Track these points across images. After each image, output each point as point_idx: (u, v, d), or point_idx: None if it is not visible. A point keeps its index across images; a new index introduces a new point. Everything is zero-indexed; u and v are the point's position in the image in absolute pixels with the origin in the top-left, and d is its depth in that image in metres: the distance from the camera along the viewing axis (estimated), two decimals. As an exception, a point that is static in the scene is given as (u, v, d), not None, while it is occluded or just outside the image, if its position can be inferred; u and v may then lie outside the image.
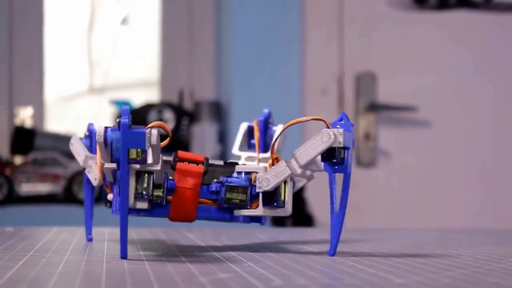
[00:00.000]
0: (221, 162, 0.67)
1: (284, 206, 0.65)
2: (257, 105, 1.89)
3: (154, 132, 0.59)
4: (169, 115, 1.83)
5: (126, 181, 0.59)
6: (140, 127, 0.59)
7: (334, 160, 0.64)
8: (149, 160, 0.60)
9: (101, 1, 2.05)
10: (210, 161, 0.67)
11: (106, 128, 0.60)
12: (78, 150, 0.71)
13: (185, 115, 1.85)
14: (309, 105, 1.88)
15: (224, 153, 1.83)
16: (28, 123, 1.86)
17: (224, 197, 0.65)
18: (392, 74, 1.92)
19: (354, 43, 1.91)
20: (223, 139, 1.84)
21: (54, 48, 2.00)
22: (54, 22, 2.00)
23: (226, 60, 1.90)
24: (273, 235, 0.87)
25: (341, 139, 0.63)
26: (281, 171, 0.64)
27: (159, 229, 0.91)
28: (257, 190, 0.64)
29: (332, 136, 0.63)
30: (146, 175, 0.61)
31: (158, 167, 0.61)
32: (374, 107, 1.90)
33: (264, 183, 0.64)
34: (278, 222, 1.52)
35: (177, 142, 1.79)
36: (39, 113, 1.90)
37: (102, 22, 2.05)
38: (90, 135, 0.71)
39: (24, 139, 1.76)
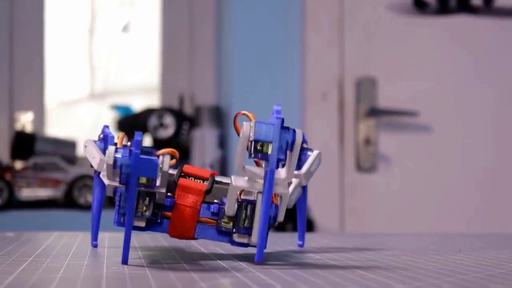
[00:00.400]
0: (229, 180, 0.63)
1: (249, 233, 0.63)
2: (258, 110, 1.89)
3: (167, 160, 0.59)
4: (169, 119, 1.83)
5: (133, 202, 0.58)
6: (151, 153, 0.57)
7: (252, 155, 0.59)
8: (157, 184, 0.60)
9: (101, 6, 2.05)
10: (218, 178, 0.65)
11: (116, 149, 0.59)
12: (93, 152, 0.68)
13: (186, 120, 1.85)
14: (309, 109, 1.88)
15: (224, 158, 1.83)
16: (29, 128, 1.86)
17: (221, 221, 0.63)
18: (393, 79, 1.92)
19: (354, 48, 1.91)
20: (224, 144, 1.84)
21: (55, 53, 2.00)
22: (54, 27, 2.00)
23: (226, 64, 1.91)
24: (274, 240, 0.87)
25: (252, 132, 0.59)
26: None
27: (160, 235, 0.91)
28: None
29: (245, 129, 0.59)
30: (148, 197, 0.61)
31: (163, 190, 0.61)
32: (374, 112, 1.90)
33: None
34: (278, 227, 1.52)
35: (177, 147, 1.79)
36: (39, 118, 1.90)
37: (103, 27, 2.05)
38: (105, 138, 0.69)
39: (25, 144, 1.76)
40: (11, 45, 1.93)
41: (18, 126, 1.87)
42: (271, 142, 0.58)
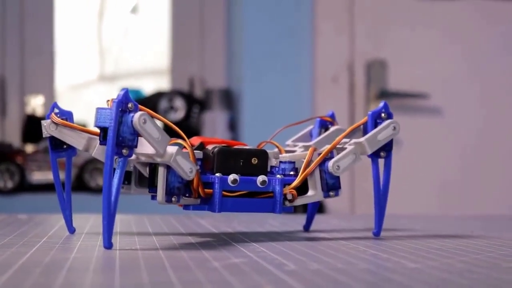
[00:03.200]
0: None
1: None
2: (268, 93, 1.89)
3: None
4: (179, 103, 1.83)
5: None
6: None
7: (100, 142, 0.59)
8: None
9: (111, -11, 2.05)
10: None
11: None
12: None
13: (196, 103, 1.85)
14: (319, 93, 1.88)
15: (235, 141, 1.83)
16: (39, 111, 1.87)
17: None
18: (403, 62, 1.91)
19: (364, 31, 1.91)
20: (234, 127, 1.84)
21: (65, 36, 2.00)
22: (64, 10, 2.00)
23: (237, 47, 1.90)
24: (285, 221, 0.87)
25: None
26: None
27: (171, 216, 0.91)
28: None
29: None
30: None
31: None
32: (384, 95, 1.89)
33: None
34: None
35: (187, 129, 1.79)
36: (50, 102, 1.90)
37: (113, 10, 2.05)
38: None
39: (35, 127, 1.77)
40: (21, 29, 1.93)
41: (29, 110, 1.87)
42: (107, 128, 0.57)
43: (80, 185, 1.68)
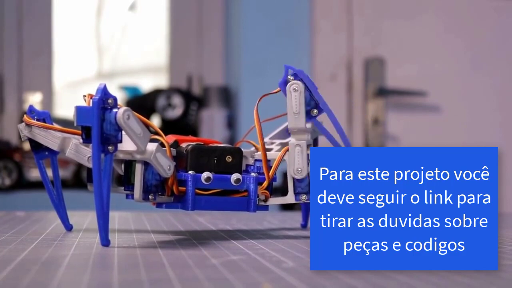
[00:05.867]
0: None
1: None
2: (266, 90, 1.89)
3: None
4: (177, 100, 1.83)
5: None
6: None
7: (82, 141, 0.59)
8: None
9: (109, -14, 2.05)
10: None
11: None
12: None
13: (194, 100, 1.85)
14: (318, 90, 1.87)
15: (233, 138, 1.83)
16: (37, 109, 1.86)
17: None
18: (401, 59, 1.91)
19: (363, 28, 1.91)
20: (232, 124, 1.84)
21: (63, 33, 2.00)
22: (62, 7, 2.00)
23: (235, 45, 1.90)
24: (283, 219, 0.87)
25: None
26: None
27: (169, 214, 0.91)
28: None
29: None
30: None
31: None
32: (383, 92, 1.89)
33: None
34: (287, 206, 1.52)
35: (186, 127, 1.79)
36: (48, 99, 1.90)
37: (111, 8, 2.05)
38: None
39: (33, 124, 1.76)
40: (19, 26, 1.92)
41: (27, 107, 1.87)
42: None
43: (78, 182, 1.68)
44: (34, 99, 1.88)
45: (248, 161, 0.66)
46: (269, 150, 0.68)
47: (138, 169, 0.60)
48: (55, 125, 0.64)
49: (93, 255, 0.53)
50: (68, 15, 2.02)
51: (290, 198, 0.64)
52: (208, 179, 0.63)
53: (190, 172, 0.62)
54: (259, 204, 0.64)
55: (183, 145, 0.65)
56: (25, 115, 0.65)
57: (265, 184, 0.64)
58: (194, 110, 1.84)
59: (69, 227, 0.69)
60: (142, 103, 1.84)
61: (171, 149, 0.63)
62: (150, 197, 0.61)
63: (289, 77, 0.65)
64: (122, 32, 2.06)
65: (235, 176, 0.63)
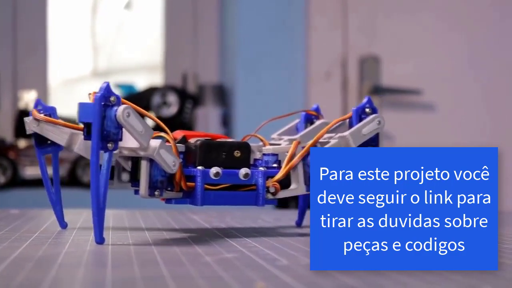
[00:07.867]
0: None
1: None
2: (261, 88, 1.89)
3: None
4: (172, 98, 1.83)
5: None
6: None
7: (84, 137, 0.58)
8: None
9: (104, -16, 2.05)
10: None
11: None
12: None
13: (189, 98, 1.85)
14: (313, 88, 1.88)
15: (228, 136, 1.83)
16: (32, 106, 1.86)
17: None
18: (396, 57, 1.91)
19: (358, 26, 1.91)
20: (227, 122, 1.84)
21: (58, 31, 2.00)
22: (57, 5, 2.00)
23: (230, 43, 1.90)
24: (277, 217, 0.87)
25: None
26: None
27: (164, 211, 0.91)
28: None
29: None
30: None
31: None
32: (378, 90, 1.89)
33: None
34: (282, 204, 1.52)
35: (181, 125, 1.79)
36: (43, 97, 1.90)
37: (106, 6, 2.04)
38: None
39: (28, 122, 1.76)
40: (14, 24, 1.92)
41: (22, 105, 1.87)
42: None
43: (73, 180, 1.68)
44: (29, 97, 1.88)
45: (255, 155, 0.67)
46: (278, 145, 0.69)
47: (143, 165, 0.61)
48: (61, 121, 0.65)
49: (87, 252, 0.53)
50: (63, 13, 2.02)
51: (301, 189, 0.65)
52: (217, 174, 0.63)
53: (199, 167, 0.63)
54: (267, 198, 0.65)
55: (192, 140, 0.66)
56: (33, 109, 0.65)
57: (279, 176, 0.64)
58: (189, 108, 1.84)
59: (64, 225, 0.69)
60: (137, 101, 1.83)
61: (180, 144, 0.64)
62: (156, 193, 0.61)
63: (367, 109, 0.67)
64: (118, 30, 2.05)
65: (243, 170, 0.64)
